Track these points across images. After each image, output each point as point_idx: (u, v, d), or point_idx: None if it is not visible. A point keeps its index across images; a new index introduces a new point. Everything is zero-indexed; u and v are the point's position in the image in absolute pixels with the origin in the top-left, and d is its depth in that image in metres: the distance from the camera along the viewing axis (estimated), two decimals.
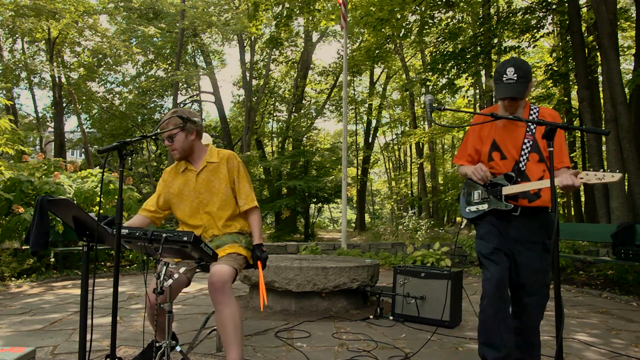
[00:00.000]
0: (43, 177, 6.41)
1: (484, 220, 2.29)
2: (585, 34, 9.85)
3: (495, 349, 2.08)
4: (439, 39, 11.46)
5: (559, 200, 18.22)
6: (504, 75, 2.13)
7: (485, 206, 2.26)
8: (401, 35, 11.34)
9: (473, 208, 2.32)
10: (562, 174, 2.06)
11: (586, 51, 9.11)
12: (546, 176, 2.17)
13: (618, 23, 9.17)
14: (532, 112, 2.23)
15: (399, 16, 10.63)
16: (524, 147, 2.20)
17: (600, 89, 8.85)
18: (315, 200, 15.78)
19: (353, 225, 22.56)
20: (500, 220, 2.24)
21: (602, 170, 1.89)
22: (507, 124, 2.25)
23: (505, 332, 2.08)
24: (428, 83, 12.23)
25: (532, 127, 2.20)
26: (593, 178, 1.90)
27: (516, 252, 2.21)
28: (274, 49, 18.29)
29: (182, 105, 20.02)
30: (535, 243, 2.20)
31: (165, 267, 1.96)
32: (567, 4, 8.50)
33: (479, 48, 10.27)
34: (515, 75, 2.10)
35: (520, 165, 2.20)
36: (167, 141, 2.43)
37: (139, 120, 19.81)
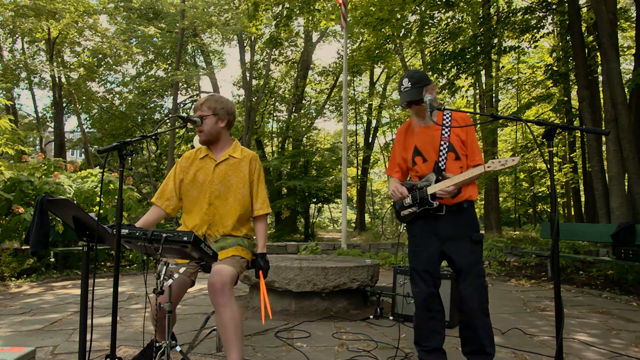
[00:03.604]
0: (43, 177, 6.42)
1: (415, 224, 2.48)
2: (585, 34, 9.85)
3: (420, 345, 2.47)
4: (438, 39, 11.46)
5: (559, 200, 18.21)
6: (401, 86, 2.42)
7: (415, 208, 2.43)
8: (401, 35, 11.34)
9: (406, 212, 2.48)
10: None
11: (586, 51, 9.10)
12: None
13: (618, 23, 9.18)
14: (445, 115, 2.45)
15: (399, 16, 10.63)
16: (441, 148, 2.40)
17: (600, 89, 8.85)
18: (315, 200, 15.78)
19: (353, 225, 22.55)
20: (430, 223, 2.42)
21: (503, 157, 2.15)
22: (424, 129, 2.47)
23: (429, 333, 2.44)
24: None
25: (446, 129, 2.41)
26: (498, 165, 2.15)
27: (446, 250, 2.38)
28: (274, 49, 18.27)
29: (182, 105, 20.04)
30: (461, 238, 2.36)
31: (165, 267, 1.96)
32: (567, 4, 8.49)
33: (479, 48, 10.27)
34: (409, 83, 2.38)
35: (440, 164, 2.39)
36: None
37: (139, 120, 19.78)
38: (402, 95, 2.40)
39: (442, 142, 2.39)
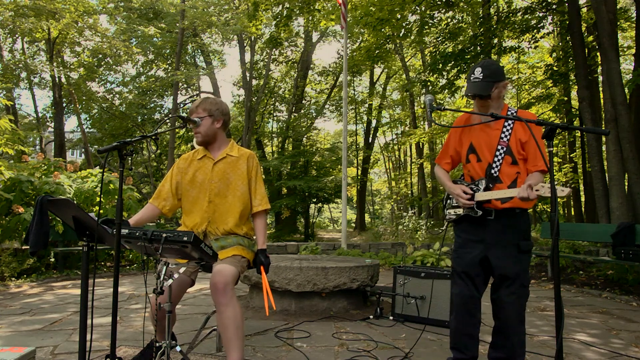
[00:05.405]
0: (43, 177, 6.42)
1: (461, 226, 2.39)
2: (585, 34, 9.85)
3: (460, 352, 2.35)
4: (438, 39, 11.46)
5: (559, 200, 18.22)
6: (472, 75, 2.26)
7: (461, 211, 2.36)
8: (401, 35, 11.34)
9: (452, 211, 2.41)
10: (532, 179, 2.13)
11: (586, 51, 9.10)
12: (520, 178, 2.26)
13: (618, 23, 9.18)
14: (509, 114, 2.30)
15: (399, 16, 10.63)
16: (498, 151, 2.26)
17: (600, 89, 8.85)
18: (315, 200, 15.79)
19: (353, 225, 22.56)
20: (476, 225, 2.31)
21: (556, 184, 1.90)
22: (483, 126, 2.32)
23: (468, 340, 2.34)
24: (428, 84, 12.25)
25: (508, 129, 2.26)
26: (547, 191, 1.92)
27: (491, 255, 2.28)
28: (274, 49, 18.28)
29: (182, 105, 20.04)
30: (509, 245, 2.25)
31: (165, 267, 1.96)
32: (567, 4, 8.49)
33: (479, 48, 10.26)
34: (482, 74, 2.22)
35: (493, 170, 2.27)
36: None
37: (139, 120, 19.79)
38: (470, 85, 2.25)
39: (500, 146, 2.25)
